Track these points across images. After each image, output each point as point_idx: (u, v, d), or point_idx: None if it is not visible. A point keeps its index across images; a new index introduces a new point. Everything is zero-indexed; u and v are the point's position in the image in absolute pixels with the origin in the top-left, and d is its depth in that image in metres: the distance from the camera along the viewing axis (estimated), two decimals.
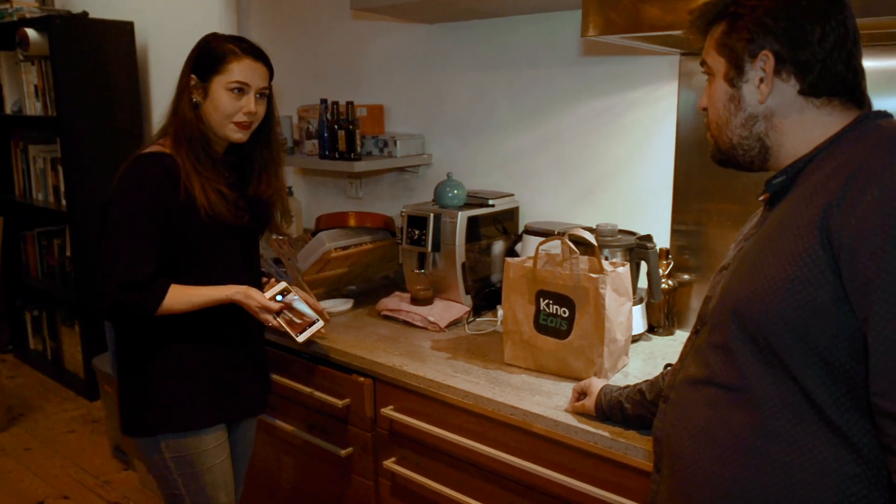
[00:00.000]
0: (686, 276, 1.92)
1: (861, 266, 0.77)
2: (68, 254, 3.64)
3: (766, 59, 0.91)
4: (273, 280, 1.54)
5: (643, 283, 1.85)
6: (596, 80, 2.08)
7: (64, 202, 3.52)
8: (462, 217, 2.01)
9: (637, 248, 1.80)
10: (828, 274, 0.80)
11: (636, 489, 1.30)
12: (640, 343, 1.81)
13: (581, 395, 1.39)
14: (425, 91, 2.51)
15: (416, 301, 2.00)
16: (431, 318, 1.92)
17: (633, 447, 1.27)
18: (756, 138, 0.95)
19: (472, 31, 2.35)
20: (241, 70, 1.49)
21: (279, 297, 1.56)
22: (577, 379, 1.53)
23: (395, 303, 2.03)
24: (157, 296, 1.44)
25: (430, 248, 2.03)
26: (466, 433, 1.56)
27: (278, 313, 1.55)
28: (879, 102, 1.57)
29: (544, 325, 1.60)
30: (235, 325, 1.60)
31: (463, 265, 2.02)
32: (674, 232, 1.96)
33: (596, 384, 1.37)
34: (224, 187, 1.51)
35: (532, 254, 1.63)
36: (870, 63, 1.56)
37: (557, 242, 1.60)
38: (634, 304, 1.80)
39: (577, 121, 2.14)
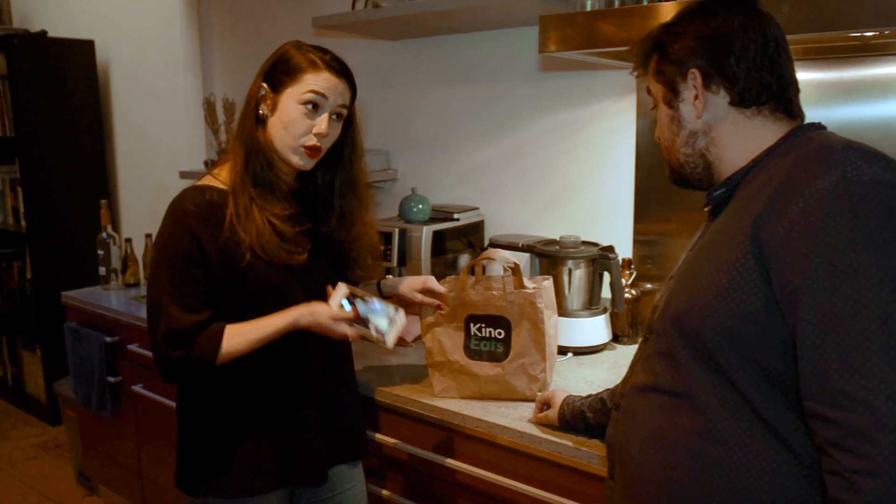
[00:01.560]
0: (649, 286, 1.96)
1: (788, 274, 0.80)
2: (29, 276, 3.57)
3: (694, 77, 0.96)
4: (329, 287, 1.33)
5: (606, 293, 1.88)
6: (556, 95, 2.11)
7: (24, 223, 3.46)
8: (427, 231, 2.02)
9: (599, 259, 1.82)
10: (759, 282, 0.83)
11: (600, 497, 1.31)
12: (605, 352, 1.83)
13: (544, 405, 1.41)
14: (390, 106, 2.53)
15: None
16: (400, 340, 1.92)
17: (597, 455, 1.29)
18: (699, 155, 0.99)
19: (434, 48, 2.38)
20: (316, 82, 1.27)
21: (346, 305, 1.31)
22: (522, 399, 1.52)
23: None
24: (213, 343, 1.25)
25: (395, 263, 2.03)
26: (433, 447, 1.56)
27: (356, 322, 1.31)
28: (827, 112, 1.63)
29: (477, 349, 1.54)
30: (312, 378, 1.39)
31: None
32: (636, 242, 1.99)
33: (559, 395, 1.38)
34: (277, 220, 1.29)
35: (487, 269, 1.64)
36: (817, 75, 1.63)
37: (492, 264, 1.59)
38: (599, 313, 1.82)
39: (539, 134, 2.17)
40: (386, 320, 1.34)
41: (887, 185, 0.77)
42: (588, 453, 1.30)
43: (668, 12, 1.38)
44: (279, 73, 1.30)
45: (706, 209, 1.04)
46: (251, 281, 1.29)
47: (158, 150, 3.41)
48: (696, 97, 0.97)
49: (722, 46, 0.93)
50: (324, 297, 1.38)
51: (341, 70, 1.32)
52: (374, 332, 1.32)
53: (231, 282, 1.29)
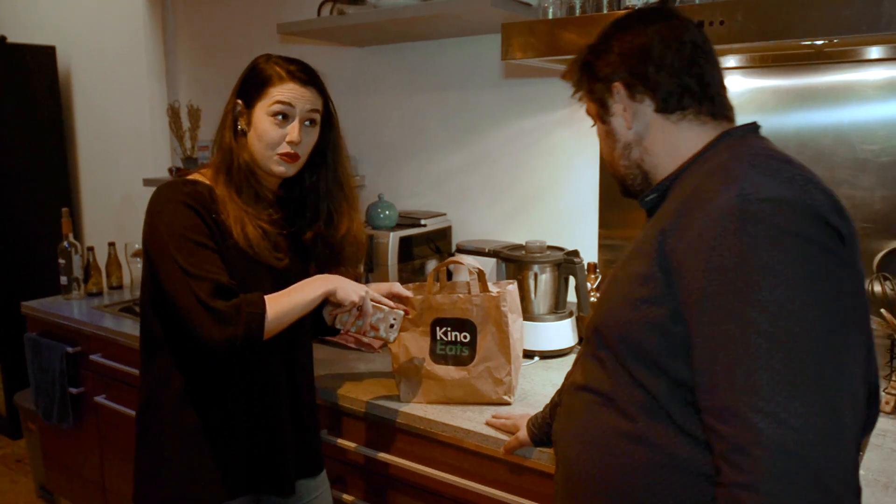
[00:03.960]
0: None
1: (686, 290, 0.82)
2: None
3: (619, 90, 0.99)
4: None
5: (572, 297, 1.89)
6: (522, 101, 2.13)
7: None
8: (394, 237, 2.03)
9: (565, 263, 1.84)
10: (667, 294, 0.84)
11: None
12: (571, 356, 1.84)
13: (500, 429, 1.41)
14: (357, 113, 2.53)
15: None
16: (365, 340, 1.92)
17: None
18: (635, 165, 1.02)
19: (401, 54, 2.39)
20: (281, 93, 1.31)
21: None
22: (488, 403, 1.53)
23: None
24: (261, 304, 1.24)
25: (362, 270, 2.03)
26: (400, 452, 1.56)
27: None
28: (783, 118, 1.67)
29: (443, 354, 1.55)
30: (278, 387, 1.40)
31: None
32: (601, 246, 2.01)
33: (519, 419, 1.38)
34: (266, 224, 1.33)
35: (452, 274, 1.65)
36: (774, 82, 1.67)
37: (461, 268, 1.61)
38: (565, 317, 1.84)
39: (505, 141, 2.19)
40: (392, 320, 1.43)
41: (781, 202, 0.77)
42: (552, 456, 1.31)
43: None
44: (250, 88, 1.34)
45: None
46: (235, 271, 1.29)
47: (122, 157, 3.36)
48: (623, 109, 0.99)
49: (641, 57, 0.97)
50: None
51: (307, 79, 1.34)
52: (382, 332, 1.42)
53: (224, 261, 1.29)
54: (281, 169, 1.35)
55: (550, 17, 1.62)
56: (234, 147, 1.34)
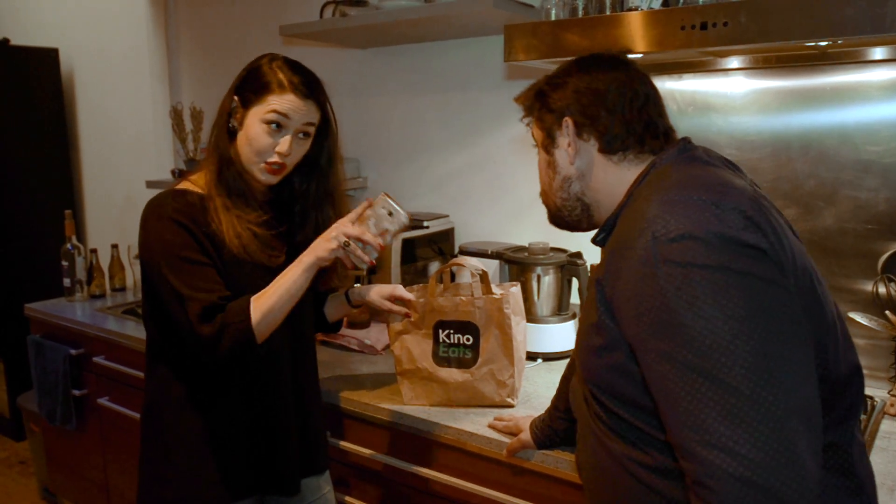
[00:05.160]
0: None
1: (627, 333, 0.85)
2: None
3: (567, 125, 1.02)
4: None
5: (575, 299, 1.89)
6: None
7: None
8: (397, 239, 2.02)
9: (568, 265, 1.84)
10: (619, 338, 0.87)
11: (568, 502, 1.32)
12: None
13: (503, 431, 1.41)
14: (360, 115, 2.53)
15: (352, 325, 2.00)
16: (368, 342, 1.92)
17: (564, 461, 1.30)
18: (575, 198, 1.04)
19: (403, 56, 2.38)
20: (280, 103, 1.28)
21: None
22: (491, 405, 1.53)
23: None
24: (242, 307, 1.23)
25: (365, 272, 2.03)
26: (402, 454, 1.56)
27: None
28: (787, 119, 1.66)
29: (445, 356, 1.55)
30: (281, 386, 1.39)
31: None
32: None
33: (522, 421, 1.38)
34: (255, 226, 1.31)
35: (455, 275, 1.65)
36: (778, 83, 1.67)
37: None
38: (567, 319, 1.84)
39: (508, 142, 2.18)
40: (381, 210, 1.33)
41: (688, 237, 0.79)
42: (556, 458, 1.31)
43: (629, 22, 1.41)
44: (248, 89, 1.31)
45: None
46: (233, 278, 1.29)
47: (125, 159, 3.37)
48: (568, 144, 1.02)
49: (594, 99, 1.00)
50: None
51: (308, 93, 1.31)
52: (388, 225, 1.33)
53: (219, 273, 1.29)
54: (263, 177, 1.32)
55: (553, 18, 1.61)
56: (226, 145, 1.32)
